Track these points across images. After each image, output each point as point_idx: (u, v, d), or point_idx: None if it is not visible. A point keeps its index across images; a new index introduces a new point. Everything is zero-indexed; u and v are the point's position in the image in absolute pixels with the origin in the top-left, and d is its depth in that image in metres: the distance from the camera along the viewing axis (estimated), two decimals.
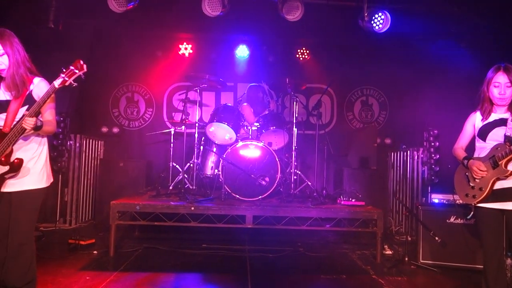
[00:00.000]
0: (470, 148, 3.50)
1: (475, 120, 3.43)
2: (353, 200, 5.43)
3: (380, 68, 7.74)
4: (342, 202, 5.44)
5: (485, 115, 3.33)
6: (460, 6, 6.11)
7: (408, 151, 6.76)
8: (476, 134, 3.41)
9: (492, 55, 5.97)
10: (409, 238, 5.46)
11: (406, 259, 4.93)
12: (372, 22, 6.08)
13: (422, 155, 6.53)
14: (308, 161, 7.45)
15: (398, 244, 5.74)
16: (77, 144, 6.62)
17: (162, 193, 5.82)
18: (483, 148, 3.33)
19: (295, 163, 6.13)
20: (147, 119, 8.08)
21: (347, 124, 8.22)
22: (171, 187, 6.19)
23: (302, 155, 7.12)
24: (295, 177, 6.11)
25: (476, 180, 3.29)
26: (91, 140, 6.98)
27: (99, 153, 7.24)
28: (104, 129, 7.68)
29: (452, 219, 4.77)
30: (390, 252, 5.29)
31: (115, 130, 7.73)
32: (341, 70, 7.81)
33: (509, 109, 3.26)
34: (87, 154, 6.86)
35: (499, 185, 3.19)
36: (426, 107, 7.07)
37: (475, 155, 3.39)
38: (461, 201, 3.46)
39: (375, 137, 7.56)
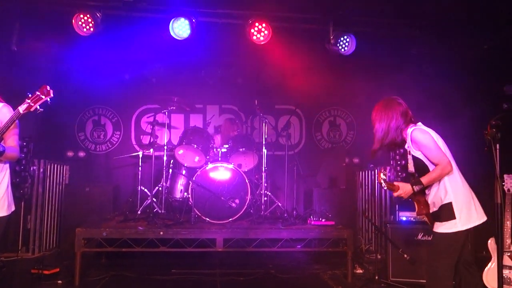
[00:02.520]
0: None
1: None
2: (323, 220, 5.45)
3: (347, 89, 7.90)
4: (313, 223, 5.45)
5: None
6: (421, 29, 6.33)
7: (376, 170, 6.87)
8: None
9: (451, 74, 6.23)
10: (379, 256, 5.50)
11: (377, 277, 4.96)
12: (338, 45, 6.23)
13: (389, 174, 6.64)
14: (278, 182, 7.46)
15: (368, 262, 5.78)
16: (41, 170, 6.42)
17: (130, 218, 5.69)
18: None
19: (265, 184, 6.13)
20: (114, 142, 7.95)
21: (316, 144, 8.32)
22: (139, 212, 6.07)
23: (272, 176, 7.13)
24: (265, 198, 6.10)
25: None
26: (55, 165, 6.79)
27: (64, 178, 7.04)
28: (70, 154, 7.50)
29: (420, 236, 4.85)
30: (361, 271, 5.33)
31: (81, 154, 7.56)
32: (309, 91, 7.92)
33: None
34: (51, 179, 6.65)
35: None
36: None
37: None
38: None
39: (343, 157, 7.66)
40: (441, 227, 3.09)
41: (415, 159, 3.19)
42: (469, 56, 6.30)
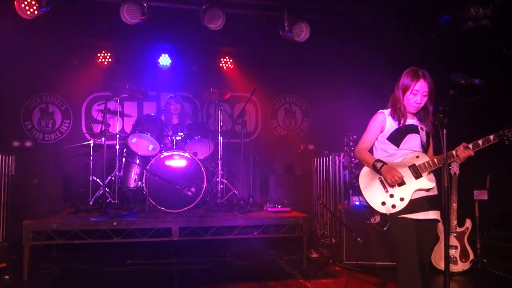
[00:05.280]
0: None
1: (386, 122, 3.22)
2: (279, 206, 5.50)
3: (302, 76, 7.96)
4: (269, 209, 5.49)
5: (398, 119, 3.15)
6: (373, 17, 6.44)
7: (330, 156, 6.99)
8: (387, 138, 3.19)
9: (402, 61, 6.37)
10: (334, 241, 5.62)
11: (331, 261, 5.07)
12: (292, 32, 6.23)
13: (343, 160, 6.78)
14: (234, 169, 7.43)
15: (323, 247, 5.91)
16: None
17: (82, 209, 5.52)
18: (394, 155, 3.15)
19: (221, 172, 6.10)
20: (64, 131, 7.65)
21: (272, 131, 8.35)
22: (91, 203, 5.88)
23: (228, 163, 7.09)
24: (221, 186, 6.07)
25: (394, 187, 3.06)
26: (0, 156, 6.46)
27: (10, 169, 6.70)
28: (16, 143, 7.13)
29: (372, 220, 4.97)
30: (316, 255, 5.43)
31: (28, 144, 7.21)
32: (265, 78, 7.93)
33: (416, 115, 3.20)
34: None
35: (416, 195, 3.05)
36: (346, 113, 7.36)
37: (382, 158, 3.17)
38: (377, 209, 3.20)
39: (298, 144, 7.74)
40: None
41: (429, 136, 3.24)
42: (420, 44, 6.48)
